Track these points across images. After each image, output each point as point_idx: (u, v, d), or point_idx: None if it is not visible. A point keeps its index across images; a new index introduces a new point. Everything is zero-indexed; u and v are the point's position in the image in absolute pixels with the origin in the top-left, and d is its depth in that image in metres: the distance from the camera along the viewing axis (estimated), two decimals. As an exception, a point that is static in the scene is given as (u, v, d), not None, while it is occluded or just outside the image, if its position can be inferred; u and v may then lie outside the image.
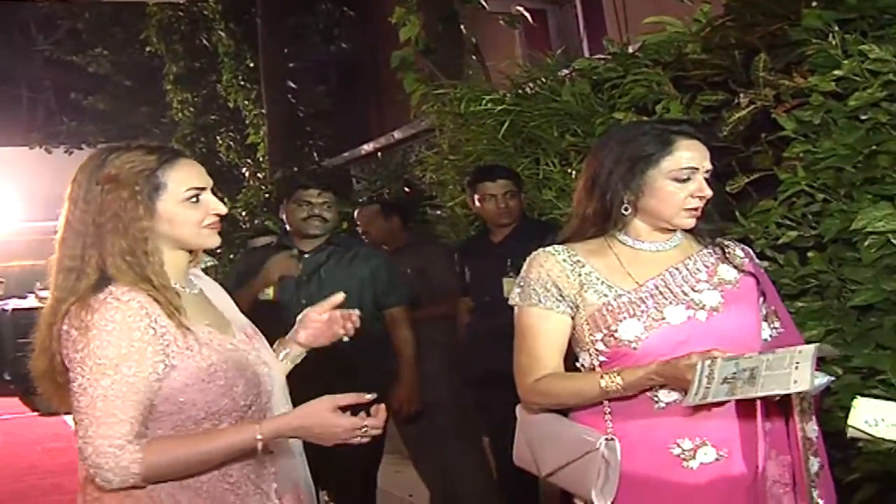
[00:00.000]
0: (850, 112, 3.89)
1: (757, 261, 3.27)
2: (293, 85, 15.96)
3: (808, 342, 3.17)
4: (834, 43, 3.95)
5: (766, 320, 3.16)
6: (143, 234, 2.74)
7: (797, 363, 2.66)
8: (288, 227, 5.59)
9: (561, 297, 3.11)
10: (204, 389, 2.74)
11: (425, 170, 8.23)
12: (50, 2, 20.16)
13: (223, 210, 2.90)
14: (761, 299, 3.15)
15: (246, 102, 16.74)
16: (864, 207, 3.78)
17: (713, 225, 3.23)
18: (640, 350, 3.00)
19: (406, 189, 9.38)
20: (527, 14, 10.95)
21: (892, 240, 3.72)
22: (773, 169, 4.22)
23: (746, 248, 3.27)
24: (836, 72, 3.90)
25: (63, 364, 2.73)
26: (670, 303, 3.04)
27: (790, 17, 4.25)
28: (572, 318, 3.12)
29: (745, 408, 2.98)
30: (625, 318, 3.04)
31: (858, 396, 2.55)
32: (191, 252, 2.94)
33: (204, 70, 18.23)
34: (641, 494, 3.05)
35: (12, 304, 16.77)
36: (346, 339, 3.19)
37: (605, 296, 3.07)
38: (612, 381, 2.96)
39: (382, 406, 2.83)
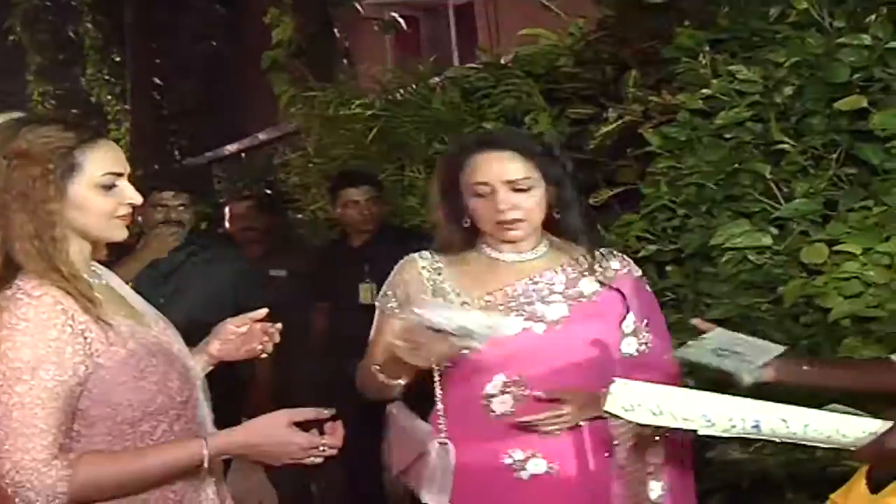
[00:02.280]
0: (716, 130, 3.97)
1: (637, 273, 3.20)
2: (159, 82, 15.72)
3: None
4: (704, 62, 4.02)
5: (633, 335, 3.10)
6: (52, 217, 2.44)
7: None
8: (144, 229, 5.41)
9: (408, 303, 3.09)
10: (137, 388, 2.47)
11: (289, 172, 8.16)
12: None
13: (138, 200, 2.60)
14: (630, 314, 3.10)
15: (109, 97, 16.43)
16: (723, 224, 3.86)
17: (594, 236, 3.24)
18: (473, 357, 2.97)
19: (268, 191, 9.28)
20: (401, 21, 10.96)
21: (749, 256, 3.80)
22: (637, 183, 4.28)
23: (627, 260, 3.22)
24: (704, 90, 3.97)
25: None
26: (508, 314, 3.03)
27: (662, 35, 4.32)
28: None
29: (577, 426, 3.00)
30: None
31: (615, 380, 2.51)
32: (93, 243, 2.64)
33: (68, 62, 17.82)
34: (477, 501, 3.07)
35: None
36: (264, 355, 2.95)
37: (451, 304, 3.08)
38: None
39: (339, 423, 2.58)
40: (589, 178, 4.49)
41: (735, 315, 3.82)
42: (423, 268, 3.17)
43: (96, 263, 2.73)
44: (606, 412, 2.51)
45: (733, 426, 2.47)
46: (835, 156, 3.75)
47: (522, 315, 3.04)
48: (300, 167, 7.59)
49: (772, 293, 3.82)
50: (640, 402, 2.49)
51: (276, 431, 2.52)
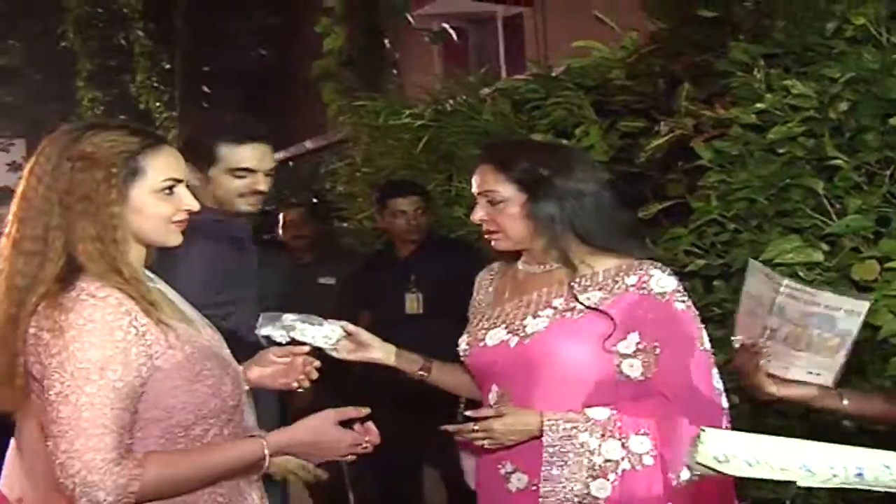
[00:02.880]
0: (768, 145, 3.94)
1: (659, 290, 3.01)
2: (207, 89, 15.80)
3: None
4: (758, 77, 4.00)
5: (636, 357, 2.98)
6: (114, 220, 2.49)
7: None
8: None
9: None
10: (192, 391, 2.52)
11: (336, 181, 8.18)
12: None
13: (195, 207, 2.66)
14: (632, 335, 2.98)
15: (157, 104, 16.58)
16: (773, 239, 3.83)
17: (640, 250, 3.21)
18: (469, 363, 3.18)
19: (314, 199, 9.31)
20: (451, 31, 10.97)
21: (800, 272, 3.75)
22: (687, 197, 4.26)
23: (651, 275, 3.03)
24: (758, 105, 3.94)
25: (26, 368, 2.46)
26: (498, 325, 3.12)
27: (716, 49, 4.30)
28: None
29: None
30: (462, 333, 3.21)
31: (704, 429, 2.31)
32: (146, 248, 2.68)
33: (118, 69, 18.01)
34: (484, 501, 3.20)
35: None
36: (299, 390, 3.02)
37: (478, 310, 3.26)
38: None
39: (370, 423, 2.74)
40: (638, 191, 4.48)
41: (783, 331, 3.79)
42: (484, 278, 3.33)
43: (145, 270, 2.77)
44: (698, 464, 2.31)
45: (835, 475, 2.29)
46: (888, 172, 3.73)
47: (506, 328, 3.10)
48: (347, 176, 7.61)
49: (821, 310, 3.79)
50: (734, 452, 2.31)
51: (327, 429, 2.64)
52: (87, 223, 2.47)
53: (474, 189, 3.12)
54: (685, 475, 2.91)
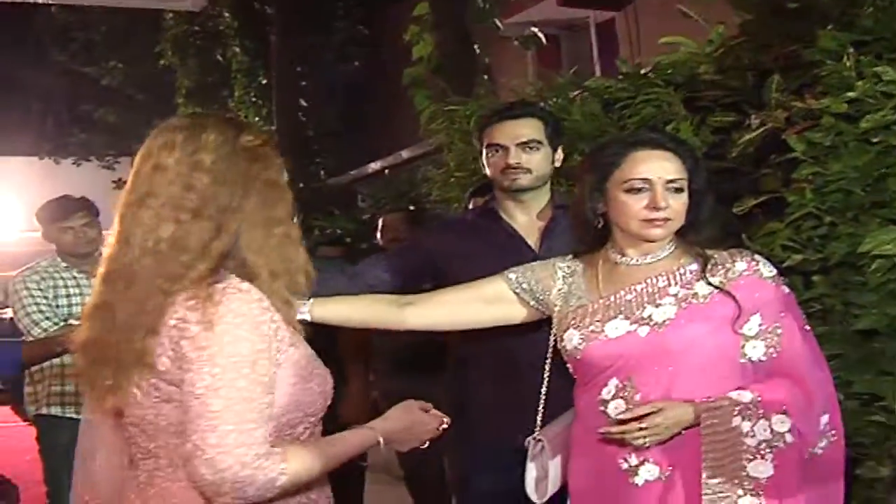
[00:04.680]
0: (861, 134, 3.83)
1: (769, 274, 3.15)
2: (304, 103, 15.96)
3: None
4: (848, 65, 3.89)
5: (759, 339, 3.05)
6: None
7: None
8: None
9: (532, 290, 3.33)
10: (305, 389, 2.55)
11: (431, 188, 8.17)
12: (66, 10, 20.25)
13: None
14: (755, 317, 3.06)
15: (256, 119, 16.80)
16: (871, 231, 3.74)
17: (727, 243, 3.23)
18: (583, 359, 3.13)
19: (411, 207, 9.35)
20: (541, 36, 10.93)
21: (899, 263, 3.67)
22: (781, 191, 4.17)
23: (758, 260, 3.18)
24: (849, 93, 3.84)
25: (147, 361, 2.44)
26: (616, 316, 3.10)
27: (805, 39, 4.20)
28: (531, 309, 3.35)
29: (692, 431, 2.98)
30: (568, 328, 3.17)
31: None
32: None
33: (216, 85, 18.30)
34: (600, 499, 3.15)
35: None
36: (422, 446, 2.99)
37: (570, 305, 3.21)
38: None
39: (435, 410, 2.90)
40: (731, 186, 4.41)
41: (884, 325, 3.70)
42: (560, 268, 3.31)
43: None
44: None
45: None
46: None
47: (629, 319, 3.09)
48: (441, 181, 7.61)
49: (923, 302, 3.70)
50: None
51: (416, 413, 2.80)
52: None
53: (658, 175, 3.09)
54: (818, 450, 3.01)
